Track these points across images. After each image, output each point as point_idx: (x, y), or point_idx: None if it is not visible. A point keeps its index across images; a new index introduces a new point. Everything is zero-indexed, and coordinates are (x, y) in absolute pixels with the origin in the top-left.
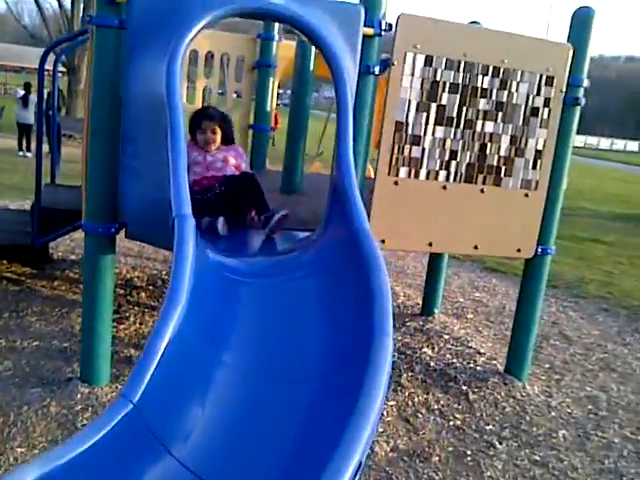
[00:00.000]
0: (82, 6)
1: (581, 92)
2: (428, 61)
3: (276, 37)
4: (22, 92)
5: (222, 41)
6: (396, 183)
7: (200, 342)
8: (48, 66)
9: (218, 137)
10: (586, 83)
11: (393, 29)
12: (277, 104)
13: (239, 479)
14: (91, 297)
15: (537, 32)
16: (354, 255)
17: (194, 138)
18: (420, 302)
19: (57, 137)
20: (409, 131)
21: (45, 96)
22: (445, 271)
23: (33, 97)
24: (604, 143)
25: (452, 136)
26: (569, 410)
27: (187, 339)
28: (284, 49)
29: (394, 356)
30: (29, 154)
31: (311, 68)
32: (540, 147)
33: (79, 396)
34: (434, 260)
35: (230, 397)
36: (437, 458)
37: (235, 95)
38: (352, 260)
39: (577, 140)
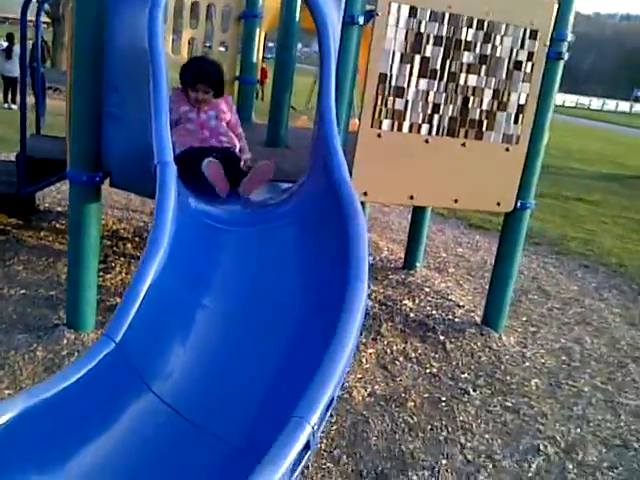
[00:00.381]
0: None
1: (565, 47)
2: (412, 12)
3: None
4: (5, 44)
5: None
6: (379, 135)
7: (181, 286)
8: (31, 17)
9: (211, 95)
10: (570, 37)
11: None
12: (265, 57)
13: (216, 415)
14: (76, 246)
15: None
16: (333, 205)
17: (185, 91)
18: (403, 257)
19: (42, 88)
20: (393, 83)
21: (29, 47)
22: (427, 226)
23: (17, 48)
24: (596, 103)
25: (435, 89)
26: (543, 360)
27: (168, 283)
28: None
29: (375, 307)
30: (14, 106)
31: (297, 19)
32: (522, 101)
33: (65, 341)
34: (417, 215)
35: (209, 338)
36: (412, 403)
37: (221, 47)
38: (331, 210)
39: (569, 100)
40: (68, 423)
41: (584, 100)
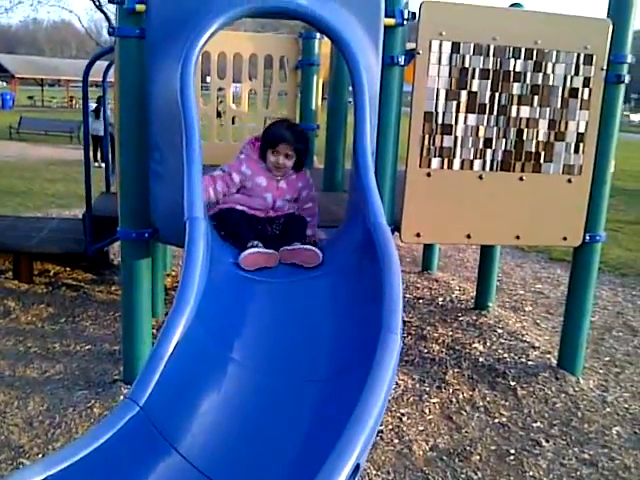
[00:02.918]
0: None
1: (625, 69)
2: (455, 48)
3: (318, 36)
4: (94, 105)
5: (265, 43)
6: (429, 174)
7: (211, 341)
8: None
9: (291, 163)
10: (630, 59)
11: (416, 17)
12: (324, 98)
13: (243, 476)
14: (129, 301)
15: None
16: (369, 252)
17: (263, 154)
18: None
19: (112, 146)
20: (439, 120)
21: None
22: (498, 263)
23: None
24: None
25: (485, 123)
26: (626, 405)
27: (198, 339)
28: (327, 47)
29: (442, 352)
30: (103, 164)
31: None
32: (582, 130)
33: (121, 397)
34: (485, 251)
35: (238, 396)
36: (478, 457)
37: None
38: (366, 257)
39: None
40: None
41: None
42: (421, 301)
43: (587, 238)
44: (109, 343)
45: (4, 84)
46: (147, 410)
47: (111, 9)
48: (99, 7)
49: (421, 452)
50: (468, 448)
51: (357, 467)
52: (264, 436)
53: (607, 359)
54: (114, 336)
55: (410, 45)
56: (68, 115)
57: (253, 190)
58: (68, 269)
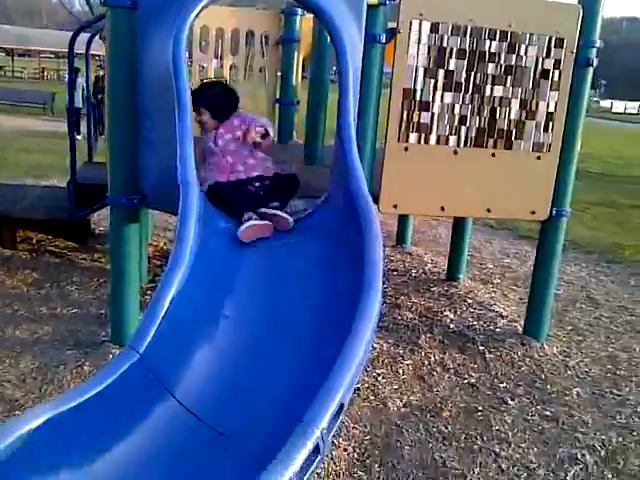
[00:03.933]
0: None
1: (593, 53)
2: (434, 28)
3: (299, 12)
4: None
5: (247, 18)
6: (406, 149)
7: (204, 298)
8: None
9: (206, 117)
10: (599, 43)
11: None
12: (304, 76)
13: (235, 421)
14: (118, 265)
15: None
16: (352, 217)
17: None
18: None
19: (94, 117)
20: (417, 97)
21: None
22: (469, 237)
23: (80, 81)
24: None
25: (461, 101)
26: (587, 369)
27: (191, 295)
28: (308, 23)
29: (415, 319)
30: (79, 137)
31: (328, 41)
32: (551, 109)
33: (110, 357)
34: (458, 226)
35: (230, 347)
36: (448, 413)
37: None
38: (349, 222)
39: (630, 107)
40: (93, 430)
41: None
42: (395, 273)
43: (554, 213)
44: (95, 307)
45: None
46: (146, 357)
47: None
48: None
49: (395, 408)
50: (439, 405)
51: (341, 406)
52: (254, 383)
53: (570, 328)
54: (99, 300)
55: (391, 25)
56: (39, 86)
57: (211, 155)
58: (50, 237)
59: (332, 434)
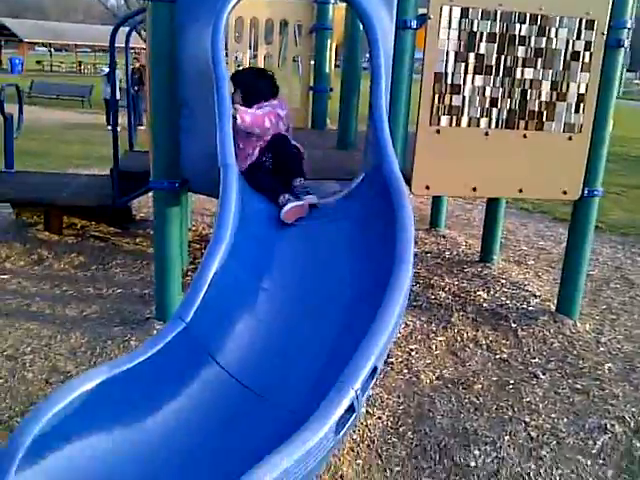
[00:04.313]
0: None
1: (624, 34)
2: (464, 13)
3: (332, 1)
4: (107, 70)
5: (281, 8)
6: (438, 132)
7: (244, 272)
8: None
9: (237, 98)
10: (630, 24)
11: None
12: (337, 64)
13: (276, 385)
14: (161, 246)
15: None
16: (384, 196)
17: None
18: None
19: (134, 108)
20: (449, 81)
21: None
22: (502, 218)
23: (118, 73)
24: None
25: (492, 84)
26: (619, 346)
27: (232, 270)
28: (340, 12)
29: (448, 299)
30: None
31: (361, 29)
32: (582, 91)
33: (155, 332)
34: (490, 207)
35: (270, 317)
36: (480, 386)
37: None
38: (382, 201)
39: None
40: (145, 390)
41: None
42: (429, 255)
43: (586, 192)
44: (138, 287)
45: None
46: (191, 326)
47: None
48: None
49: (428, 381)
50: (471, 379)
51: (375, 369)
52: (292, 350)
53: (604, 307)
54: (142, 281)
55: (421, 10)
56: (77, 80)
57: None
58: (94, 223)
59: (366, 396)
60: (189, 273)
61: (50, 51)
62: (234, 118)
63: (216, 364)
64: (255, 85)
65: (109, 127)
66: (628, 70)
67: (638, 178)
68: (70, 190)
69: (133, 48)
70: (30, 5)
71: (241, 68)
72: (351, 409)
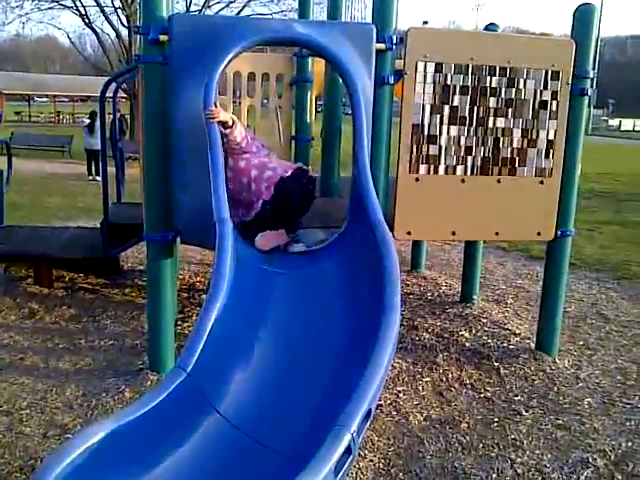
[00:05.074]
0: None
1: (588, 83)
2: (438, 68)
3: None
4: (87, 120)
5: (262, 62)
6: (417, 179)
7: (240, 322)
8: (109, 94)
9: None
10: (592, 74)
11: (404, 42)
12: (318, 111)
13: (273, 431)
14: (155, 297)
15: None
16: (370, 243)
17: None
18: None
19: (121, 160)
20: (425, 132)
21: (109, 122)
22: (481, 259)
23: (98, 124)
24: None
25: (466, 133)
26: (597, 381)
27: (230, 320)
28: (319, 64)
29: (432, 339)
30: (98, 178)
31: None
32: (551, 137)
33: (149, 383)
34: (469, 249)
35: (265, 366)
36: (466, 425)
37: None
38: (369, 248)
39: (639, 124)
40: (148, 441)
41: None
42: (411, 296)
43: (559, 233)
44: (130, 338)
45: None
46: (193, 376)
47: (99, 25)
48: (89, 25)
49: (416, 422)
50: (457, 418)
51: (369, 412)
52: (289, 397)
53: (581, 343)
54: (134, 332)
55: (398, 62)
56: (56, 130)
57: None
58: (82, 275)
59: (361, 439)
60: (178, 322)
61: (29, 102)
62: (230, 128)
63: (216, 412)
64: None
65: (90, 177)
66: (595, 107)
67: (610, 214)
68: (60, 243)
69: (108, 97)
70: (8, 56)
71: None
72: (348, 451)
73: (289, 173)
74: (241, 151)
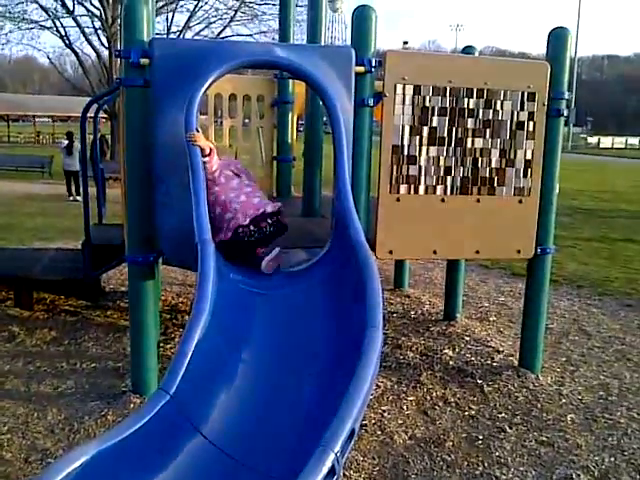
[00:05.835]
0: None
1: (563, 104)
2: (417, 90)
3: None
4: (65, 142)
5: (243, 83)
6: (398, 199)
7: (223, 343)
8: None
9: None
10: (567, 95)
11: (382, 65)
12: (299, 131)
13: (256, 452)
14: (137, 319)
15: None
16: (352, 263)
17: None
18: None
19: (101, 181)
20: (405, 152)
21: (89, 142)
22: (463, 277)
23: (77, 145)
24: None
25: (445, 154)
26: (580, 397)
27: (212, 341)
28: (300, 85)
29: (416, 358)
30: (79, 198)
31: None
32: (529, 157)
33: (132, 405)
34: (451, 267)
35: (249, 387)
36: (451, 443)
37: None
38: (351, 268)
39: (617, 141)
40: (132, 464)
41: (634, 140)
42: (395, 315)
43: (539, 251)
44: (112, 361)
45: None
46: (176, 398)
47: (79, 46)
48: (69, 46)
49: (401, 441)
50: (442, 436)
51: (352, 432)
52: (272, 418)
53: (564, 359)
54: (116, 354)
55: (378, 83)
56: (36, 150)
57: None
58: (63, 297)
59: (345, 459)
60: (161, 344)
61: (8, 122)
62: (209, 157)
63: (200, 435)
64: None
65: (71, 198)
66: (574, 125)
67: (590, 230)
68: (41, 265)
69: (90, 117)
70: None
71: None
72: (332, 471)
73: (246, 222)
74: (213, 182)
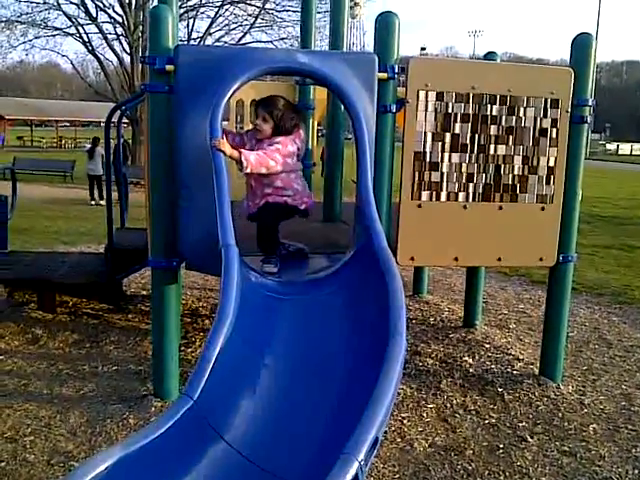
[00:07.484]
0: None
1: (587, 111)
2: (440, 96)
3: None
4: (88, 146)
5: (265, 89)
6: (420, 206)
7: (246, 349)
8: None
9: (267, 127)
10: (591, 102)
11: (405, 71)
12: (319, 136)
13: (279, 459)
14: (159, 323)
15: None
16: (375, 270)
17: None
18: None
19: (124, 186)
20: (427, 159)
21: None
22: (483, 284)
23: (99, 150)
24: None
25: (467, 160)
26: (602, 406)
27: (236, 347)
28: (320, 92)
29: (435, 365)
30: (102, 202)
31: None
32: (552, 164)
33: (153, 409)
34: (471, 274)
35: (271, 393)
36: (471, 451)
37: None
38: (373, 274)
39: (636, 148)
40: (155, 469)
41: None
42: (414, 321)
43: (561, 258)
44: (133, 364)
45: None
46: (199, 403)
47: (102, 52)
48: (92, 52)
49: (421, 449)
50: (462, 445)
51: (376, 440)
52: (296, 424)
53: (585, 368)
54: (137, 358)
55: (400, 89)
56: (58, 155)
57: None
58: (85, 300)
59: (368, 466)
60: (182, 348)
61: (31, 127)
62: (240, 163)
63: (223, 441)
64: (284, 119)
65: (92, 202)
66: (593, 131)
67: (610, 238)
68: (64, 268)
69: (112, 122)
70: (10, 82)
71: (270, 96)
72: (355, 479)
73: (302, 207)
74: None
